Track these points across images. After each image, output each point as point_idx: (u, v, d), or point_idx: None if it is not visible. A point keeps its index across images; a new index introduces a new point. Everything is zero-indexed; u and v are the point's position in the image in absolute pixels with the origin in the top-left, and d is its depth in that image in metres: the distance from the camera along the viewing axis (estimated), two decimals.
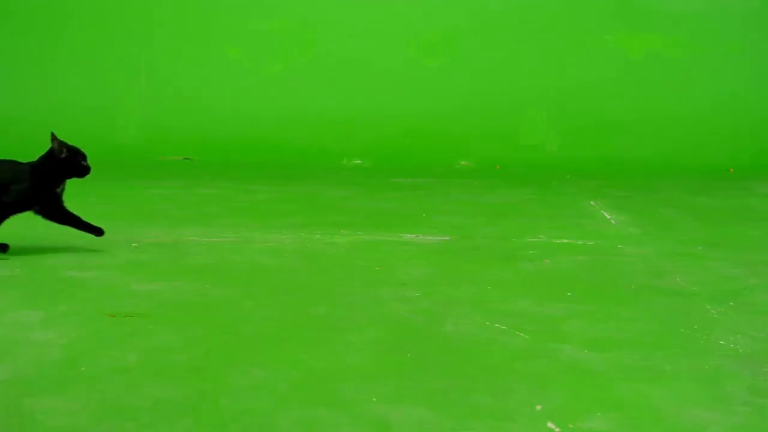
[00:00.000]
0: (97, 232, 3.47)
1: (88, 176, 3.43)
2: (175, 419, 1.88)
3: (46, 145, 3.34)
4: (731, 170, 6.44)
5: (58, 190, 3.43)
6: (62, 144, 3.35)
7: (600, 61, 7.02)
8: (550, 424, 1.88)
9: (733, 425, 1.90)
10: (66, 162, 3.36)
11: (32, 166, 3.38)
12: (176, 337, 2.42)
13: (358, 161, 6.74)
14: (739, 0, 7.03)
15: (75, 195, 4.97)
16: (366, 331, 2.49)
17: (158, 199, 4.87)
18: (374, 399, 2.00)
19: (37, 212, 3.42)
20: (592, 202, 4.93)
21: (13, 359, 2.24)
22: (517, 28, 7.05)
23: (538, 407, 1.97)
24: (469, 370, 2.21)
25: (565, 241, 3.81)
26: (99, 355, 2.27)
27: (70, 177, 3.42)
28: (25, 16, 7.12)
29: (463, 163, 6.49)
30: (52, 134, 3.35)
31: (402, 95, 6.98)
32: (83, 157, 3.41)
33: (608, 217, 4.47)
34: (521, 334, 2.48)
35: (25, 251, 3.42)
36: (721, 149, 6.72)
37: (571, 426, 1.87)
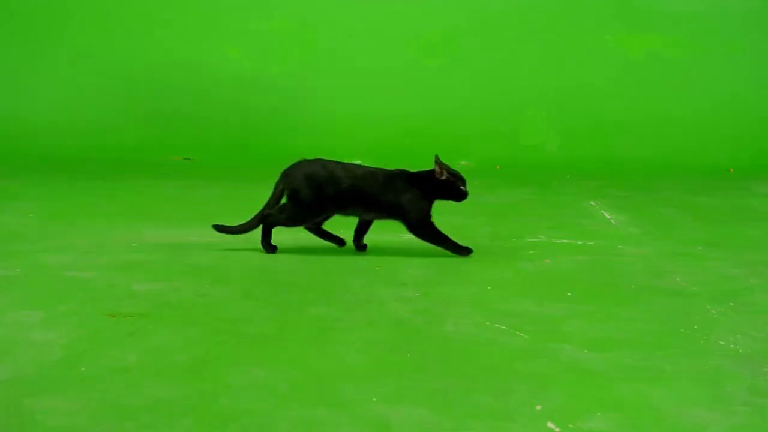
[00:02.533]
0: (466, 252, 3.50)
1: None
2: (175, 419, 1.88)
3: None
4: (731, 170, 6.44)
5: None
6: (443, 167, 3.43)
7: (600, 61, 7.02)
8: (550, 424, 1.88)
9: (733, 425, 1.90)
10: (444, 184, 3.45)
11: (409, 178, 3.46)
12: (176, 337, 2.42)
13: (358, 161, 6.74)
14: (739, 0, 7.03)
15: (75, 195, 4.99)
16: (366, 331, 2.49)
17: (158, 199, 4.87)
18: (374, 399, 2.00)
19: (408, 227, 3.48)
20: (592, 202, 4.93)
21: (13, 359, 2.24)
22: (517, 28, 7.05)
23: (538, 407, 1.97)
24: (469, 370, 2.21)
25: (565, 241, 3.81)
26: (99, 355, 2.27)
27: (446, 199, 3.50)
28: (25, 16, 7.12)
29: (463, 163, 6.48)
30: (437, 157, 3.43)
31: (402, 95, 6.98)
32: (463, 182, 3.48)
33: (608, 217, 4.47)
34: (521, 334, 2.48)
35: (25, 251, 3.42)
36: (721, 149, 6.72)
37: (571, 426, 1.87)
